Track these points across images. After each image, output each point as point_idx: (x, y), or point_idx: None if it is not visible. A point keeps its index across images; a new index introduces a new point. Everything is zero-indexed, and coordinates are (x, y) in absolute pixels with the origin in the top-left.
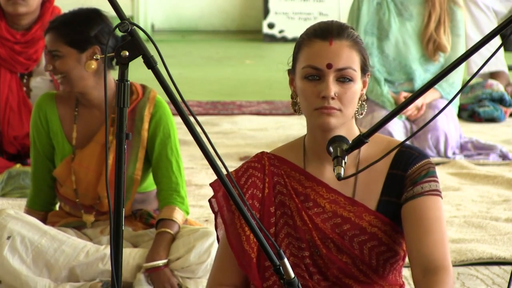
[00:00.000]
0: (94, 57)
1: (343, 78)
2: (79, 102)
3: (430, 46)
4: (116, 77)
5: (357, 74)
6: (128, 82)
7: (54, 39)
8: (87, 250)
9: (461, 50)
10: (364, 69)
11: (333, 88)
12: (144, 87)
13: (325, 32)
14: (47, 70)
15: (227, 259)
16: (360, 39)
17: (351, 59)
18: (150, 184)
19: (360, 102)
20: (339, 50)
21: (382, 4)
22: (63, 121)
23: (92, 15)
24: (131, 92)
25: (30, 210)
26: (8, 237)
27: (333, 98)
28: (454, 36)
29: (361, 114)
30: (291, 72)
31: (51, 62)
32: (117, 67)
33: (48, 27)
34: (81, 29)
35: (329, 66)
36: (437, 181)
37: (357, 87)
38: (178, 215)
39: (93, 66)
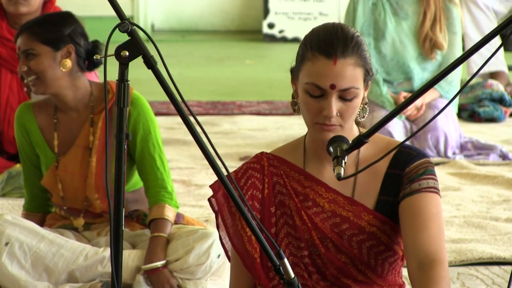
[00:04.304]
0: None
1: (346, 97)
2: (57, 109)
3: (426, 45)
4: (90, 79)
5: (360, 90)
6: (129, 82)
7: (28, 38)
8: (86, 253)
9: (458, 48)
10: (367, 79)
11: (335, 106)
12: None
13: (330, 49)
14: (21, 72)
15: (241, 264)
16: (365, 49)
17: (354, 78)
18: (137, 181)
19: (362, 105)
20: (342, 70)
21: (378, 4)
22: (43, 130)
23: (64, 16)
24: (108, 91)
25: (27, 213)
26: (6, 243)
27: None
28: (450, 33)
29: (363, 117)
30: (294, 72)
31: (25, 63)
32: (89, 69)
33: (20, 30)
34: (55, 27)
35: (333, 87)
36: (435, 179)
37: (359, 100)
38: (169, 213)
39: (68, 65)
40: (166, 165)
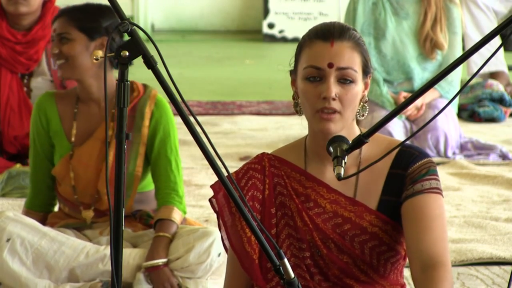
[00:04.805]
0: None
1: (344, 79)
2: (79, 99)
3: (427, 45)
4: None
5: (358, 75)
6: (128, 82)
7: (66, 22)
8: (87, 251)
9: (458, 48)
10: (366, 70)
11: (334, 88)
12: (145, 86)
13: (326, 34)
14: (52, 53)
15: (237, 264)
16: (362, 40)
17: (352, 60)
18: (148, 183)
19: (361, 103)
20: (340, 50)
21: (378, 3)
22: (63, 119)
23: (105, 9)
24: (132, 89)
25: (28, 211)
26: (8, 240)
27: (333, 99)
28: (450, 33)
29: (363, 115)
30: (293, 73)
31: (58, 46)
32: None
33: (59, 12)
34: (94, 17)
35: (330, 65)
36: (438, 180)
37: (358, 89)
38: (176, 215)
39: (100, 57)
40: (180, 169)
